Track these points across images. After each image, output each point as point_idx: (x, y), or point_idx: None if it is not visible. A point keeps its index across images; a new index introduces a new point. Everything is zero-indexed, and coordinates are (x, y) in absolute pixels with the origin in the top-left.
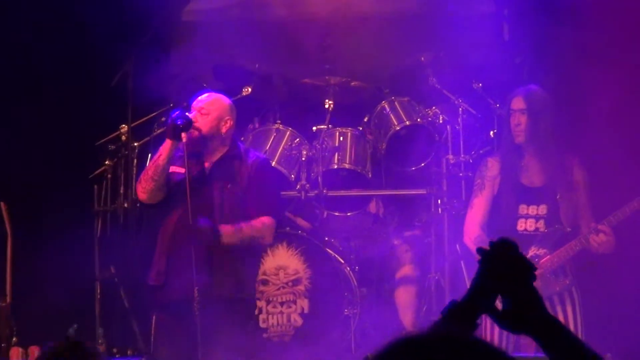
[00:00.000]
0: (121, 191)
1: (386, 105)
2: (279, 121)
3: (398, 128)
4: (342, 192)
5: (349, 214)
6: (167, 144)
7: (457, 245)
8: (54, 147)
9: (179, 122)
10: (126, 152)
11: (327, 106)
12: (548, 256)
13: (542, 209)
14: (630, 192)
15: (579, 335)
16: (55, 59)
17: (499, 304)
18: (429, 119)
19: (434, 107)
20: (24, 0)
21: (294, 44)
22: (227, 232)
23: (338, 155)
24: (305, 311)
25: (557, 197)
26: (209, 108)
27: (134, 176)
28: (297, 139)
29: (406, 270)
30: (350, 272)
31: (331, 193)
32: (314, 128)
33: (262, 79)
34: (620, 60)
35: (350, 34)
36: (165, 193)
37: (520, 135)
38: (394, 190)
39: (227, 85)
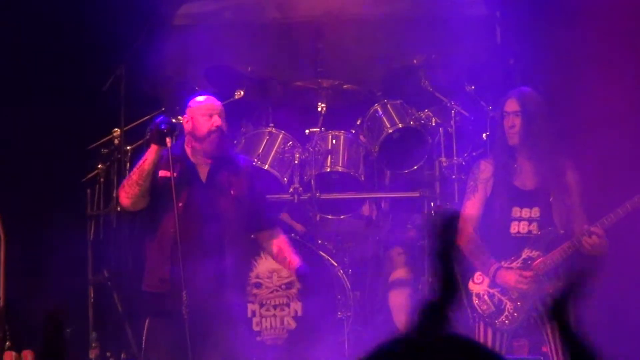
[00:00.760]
0: (114, 195)
1: (379, 108)
2: (272, 124)
3: (391, 131)
4: (335, 195)
5: (342, 217)
6: (153, 149)
7: None
8: (47, 151)
9: (162, 127)
10: (119, 156)
11: (319, 109)
12: (541, 258)
13: (535, 212)
14: (623, 194)
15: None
16: (48, 62)
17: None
18: (422, 121)
19: (426, 110)
20: (15, 4)
21: (287, 47)
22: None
23: (331, 158)
24: (299, 314)
25: (550, 199)
26: (222, 112)
27: None
28: (290, 142)
29: (399, 273)
30: (344, 275)
31: (324, 196)
32: (307, 131)
33: (255, 82)
34: (612, 63)
35: (342, 36)
36: (148, 200)
37: (514, 137)
38: (387, 193)
39: (219, 89)
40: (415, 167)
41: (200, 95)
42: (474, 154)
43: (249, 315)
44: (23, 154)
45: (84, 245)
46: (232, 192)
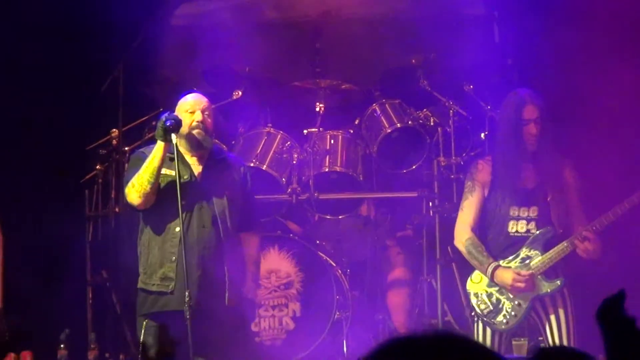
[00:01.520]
0: (112, 196)
1: (377, 108)
2: (270, 124)
3: (389, 131)
4: (334, 195)
5: (340, 217)
6: (159, 146)
7: (449, 248)
8: (45, 152)
9: (168, 123)
10: (117, 157)
11: (318, 109)
12: (539, 257)
13: (533, 211)
14: (621, 194)
15: (571, 337)
16: (46, 64)
17: None
18: (420, 121)
19: (425, 110)
20: (13, 5)
21: (285, 47)
22: (257, 289)
23: (329, 158)
24: (297, 314)
25: (548, 198)
26: (209, 109)
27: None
28: (288, 142)
29: (398, 272)
30: (342, 275)
31: (322, 196)
32: (305, 131)
33: (253, 82)
34: (611, 62)
35: (340, 36)
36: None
37: (535, 144)
38: (386, 193)
39: (218, 89)
40: (414, 167)
41: (191, 92)
42: (472, 153)
43: None
44: (21, 154)
45: (82, 246)
46: (225, 191)
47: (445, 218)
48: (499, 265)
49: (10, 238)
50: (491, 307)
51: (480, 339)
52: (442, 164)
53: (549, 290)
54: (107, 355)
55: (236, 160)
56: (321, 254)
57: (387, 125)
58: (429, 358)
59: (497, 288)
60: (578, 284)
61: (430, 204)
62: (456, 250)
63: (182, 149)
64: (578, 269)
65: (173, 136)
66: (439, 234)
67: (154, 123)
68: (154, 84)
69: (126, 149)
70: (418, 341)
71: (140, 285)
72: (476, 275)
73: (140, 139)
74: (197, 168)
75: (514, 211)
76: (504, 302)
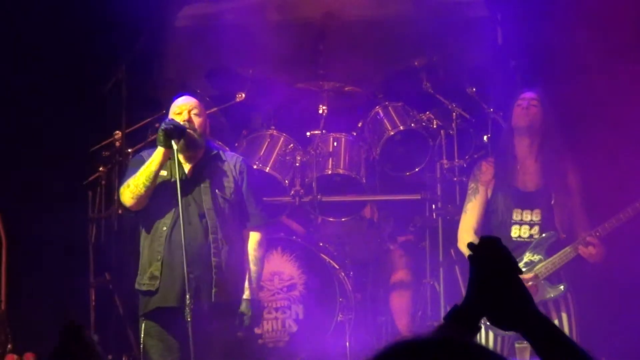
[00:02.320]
0: (115, 197)
1: (380, 111)
2: (273, 127)
3: (392, 133)
4: (337, 198)
5: (343, 219)
6: (159, 151)
7: (452, 250)
8: (48, 154)
9: (170, 129)
10: (120, 159)
11: (321, 111)
12: (542, 262)
13: (536, 214)
14: (624, 198)
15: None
16: (49, 65)
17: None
18: (423, 123)
19: (427, 112)
20: (16, 6)
21: (288, 49)
22: (258, 289)
23: (332, 160)
24: (300, 317)
25: (552, 202)
26: (198, 109)
27: None
28: (291, 145)
29: (401, 275)
30: (345, 277)
31: (325, 198)
32: (308, 133)
33: (256, 85)
34: (614, 65)
35: (344, 39)
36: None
37: (526, 119)
38: (389, 196)
39: (221, 91)
40: (417, 170)
41: (182, 95)
42: (475, 156)
43: None
44: (24, 156)
45: (85, 247)
46: (216, 188)
47: (448, 220)
48: None
49: (13, 240)
50: None
51: (483, 343)
52: (445, 166)
53: (552, 295)
54: (110, 357)
55: (231, 156)
56: (324, 256)
57: (390, 128)
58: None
59: None
60: (582, 288)
61: (433, 206)
62: (459, 253)
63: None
64: (581, 273)
65: (173, 142)
66: (441, 237)
67: (157, 125)
68: (157, 86)
69: (129, 150)
70: (423, 343)
71: (135, 286)
72: None
73: (144, 141)
74: (186, 166)
75: (517, 214)
76: None
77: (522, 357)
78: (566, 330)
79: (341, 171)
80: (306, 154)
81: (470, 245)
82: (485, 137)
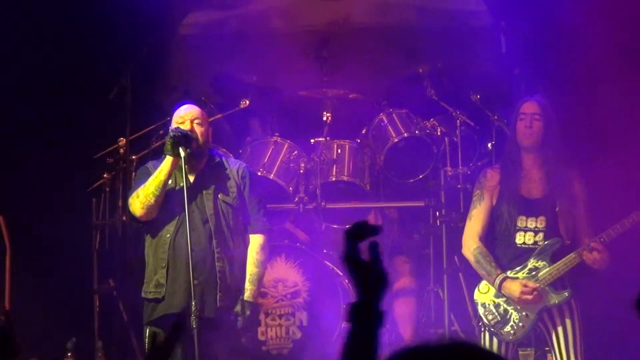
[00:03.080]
0: (119, 204)
1: (384, 118)
2: (277, 134)
3: (396, 140)
4: (341, 205)
5: (347, 226)
6: (167, 160)
7: (456, 257)
8: (52, 160)
9: (178, 137)
10: (124, 165)
11: (325, 118)
12: (547, 269)
13: (541, 221)
14: (630, 207)
15: (577, 348)
16: (54, 72)
17: None
18: (427, 131)
19: (432, 119)
20: (20, 13)
21: (292, 56)
22: (257, 291)
23: (336, 167)
24: (304, 324)
25: (556, 209)
26: (201, 118)
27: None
28: (295, 152)
29: (405, 282)
30: (349, 284)
31: (329, 205)
32: (312, 140)
33: (260, 92)
34: (617, 73)
35: (348, 46)
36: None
37: (530, 139)
38: (393, 203)
39: (225, 98)
40: (421, 177)
41: (184, 103)
42: (479, 163)
43: None
44: (29, 162)
45: (89, 254)
46: (218, 194)
47: (452, 228)
48: (506, 277)
49: (17, 246)
50: (499, 318)
51: (487, 348)
52: (449, 173)
53: (556, 302)
54: None
55: (234, 163)
56: (328, 263)
57: (394, 135)
58: None
59: (504, 298)
60: (585, 295)
61: (437, 213)
62: (463, 260)
63: None
64: (585, 280)
65: (181, 150)
66: (445, 244)
67: (161, 132)
68: (162, 92)
69: (133, 157)
70: (429, 350)
71: (142, 294)
72: (484, 285)
73: (148, 148)
74: (190, 174)
75: (521, 221)
76: (511, 313)
77: None
78: (569, 336)
79: (345, 178)
80: (310, 160)
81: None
82: (489, 145)
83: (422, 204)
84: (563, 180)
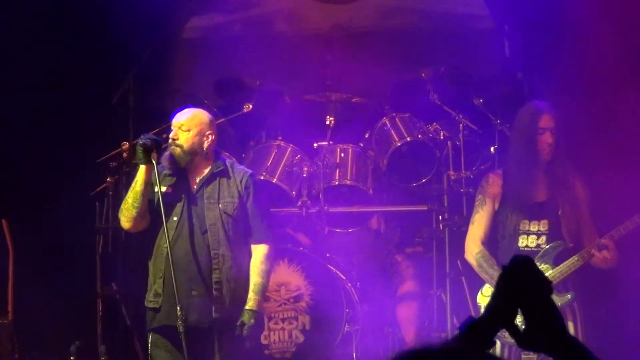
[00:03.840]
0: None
1: (387, 122)
2: (280, 137)
3: (399, 144)
4: (343, 209)
5: (350, 230)
6: (141, 169)
7: (459, 261)
8: (56, 164)
9: (143, 143)
10: (127, 169)
11: (328, 122)
12: (550, 272)
13: (544, 225)
14: (631, 208)
15: None
16: (57, 75)
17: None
18: (430, 135)
19: (434, 123)
20: (24, 17)
21: (296, 60)
22: (261, 301)
23: (339, 171)
24: (307, 328)
25: (559, 212)
26: (189, 124)
27: None
28: (298, 156)
29: (408, 286)
30: (352, 288)
31: (332, 209)
32: (315, 144)
33: (264, 95)
34: (620, 77)
35: (351, 50)
36: (149, 220)
37: (551, 154)
38: (395, 207)
39: (228, 102)
40: (424, 181)
41: (186, 107)
42: (482, 167)
43: None
44: (32, 166)
45: (92, 258)
46: (219, 203)
47: (455, 232)
48: None
49: (20, 249)
50: None
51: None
52: (452, 177)
53: (559, 304)
54: None
55: (239, 171)
56: (331, 267)
57: (397, 139)
58: None
59: None
60: (588, 297)
61: (440, 217)
62: (466, 264)
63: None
64: (588, 282)
65: (153, 155)
66: (448, 248)
67: (164, 136)
68: (165, 96)
69: (136, 161)
70: (433, 353)
71: (145, 302)
72: (487, 288)
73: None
74: (191, 181)
75: (524, 225)
76: None
77: None
78: None
79: (348, 182)
80: (313, 164)
81: (489, 260)
82: (492, 149)
83: (425, 208)
84: (566, 183)
